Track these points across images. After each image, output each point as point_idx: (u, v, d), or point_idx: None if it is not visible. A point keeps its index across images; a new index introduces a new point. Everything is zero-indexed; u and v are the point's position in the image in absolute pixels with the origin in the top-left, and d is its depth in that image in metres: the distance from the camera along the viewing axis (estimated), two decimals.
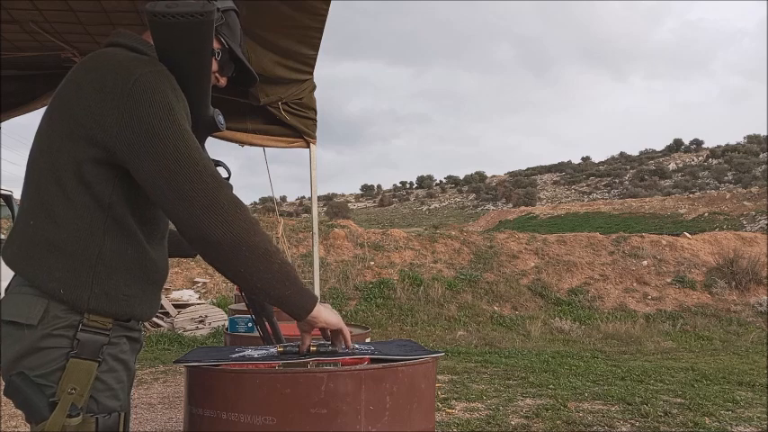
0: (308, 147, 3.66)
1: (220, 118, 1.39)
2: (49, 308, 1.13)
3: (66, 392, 1.11)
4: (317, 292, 4.49)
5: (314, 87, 3.39)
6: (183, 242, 1.42)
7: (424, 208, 68.24)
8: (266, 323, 1.69)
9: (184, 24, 1.16)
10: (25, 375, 1.11)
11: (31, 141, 1.26)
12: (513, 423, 4.19)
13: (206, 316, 8.76)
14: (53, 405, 1.10)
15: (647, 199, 42.09)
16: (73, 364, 1.12)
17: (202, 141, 1.42)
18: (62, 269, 1.14)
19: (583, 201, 54.62)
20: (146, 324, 1.60)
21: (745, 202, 31.48)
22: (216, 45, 1.31)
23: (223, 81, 1.39)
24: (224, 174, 1.46)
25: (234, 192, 1.16)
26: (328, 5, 2.53)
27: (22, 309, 1.13)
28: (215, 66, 1.33)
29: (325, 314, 1.26)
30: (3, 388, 1.11)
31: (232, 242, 1.11)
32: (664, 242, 12.60)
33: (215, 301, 9.70)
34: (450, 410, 4.55)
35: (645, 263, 11.84)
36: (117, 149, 1.13)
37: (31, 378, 1.11)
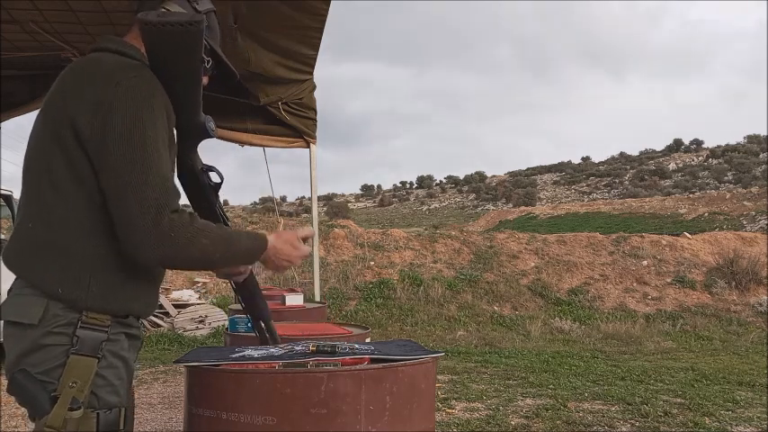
0: (308, 147, 3.67)
1: (211, 125, 1.41)
2: (48, 307, 1.16)
3: (67, 387, 1.13)
4: (316, 292, 4.49)
5: (314, 87, 3.40)
6: None
7: (424, 208, 68.21)
8: (262, 324, 1.69)
9: (174, 33, 1.20)
10: (27, 372, 1.14)
11: None
12: (513, 423, 4.19)
13: (206, 316, 8.76)
14: (55, 400, 1.13)
15: (647, 199, 42.06)
16: (73, 361, 1.14)
17: (193, 147, 1.43)
18: (60, 269, 1.17)
19: (583, 201, 54.57)
20: (146, 324, 1.61)
21: (745, 202, 31.47)
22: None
23: (204, 79, 1.41)
24: (216, 179, 1.47)
25: (183, 211, 1.19)
26: (328, 5, 2.53)
27: (23, 309, 1.16)
28: None
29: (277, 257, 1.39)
30: (3, 387, 1.13)
31: (161, 263, 1.22)
32: (664, 242, 12.60)
33: (215, 300, 9.70)
34: (450, 410, 4.55)
35: (645, 263, 11.84)
36: (91, 153, 1.17)
37: (34, 375, 1.14)
